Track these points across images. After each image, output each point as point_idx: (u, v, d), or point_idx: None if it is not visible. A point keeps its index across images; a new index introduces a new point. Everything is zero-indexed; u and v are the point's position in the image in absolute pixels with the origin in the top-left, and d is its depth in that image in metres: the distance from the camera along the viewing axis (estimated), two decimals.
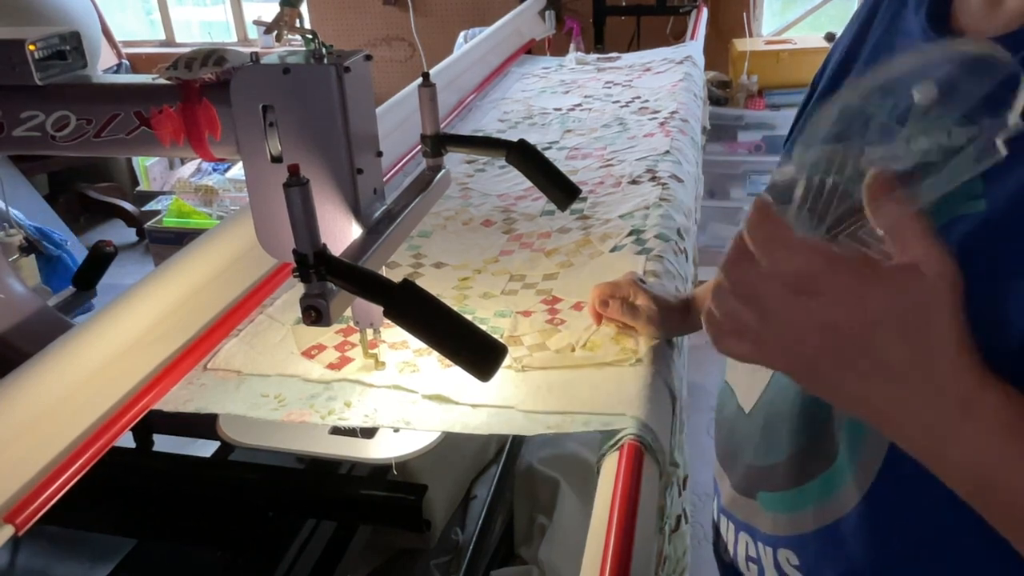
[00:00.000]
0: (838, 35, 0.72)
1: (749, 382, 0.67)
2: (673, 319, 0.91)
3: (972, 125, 0.42)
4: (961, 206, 0.48)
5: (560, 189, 0.95)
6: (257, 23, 1.06)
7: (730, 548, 0.74)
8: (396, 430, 0.85)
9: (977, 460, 0.42)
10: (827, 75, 0.70)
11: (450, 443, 0.84)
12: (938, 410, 0.42)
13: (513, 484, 1.40)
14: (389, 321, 0.67)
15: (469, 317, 0.78)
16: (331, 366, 0.91)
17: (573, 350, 0.90)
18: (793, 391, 0.62)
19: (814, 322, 0.42)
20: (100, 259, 1.40)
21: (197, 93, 0.78)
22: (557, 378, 0.85)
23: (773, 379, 0.63)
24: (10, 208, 1.69)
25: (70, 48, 0.85)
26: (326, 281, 0.66)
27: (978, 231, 0.47)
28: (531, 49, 2.53)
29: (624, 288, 0.92)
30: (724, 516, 0.74)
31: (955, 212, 0.49)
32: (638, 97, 1.92)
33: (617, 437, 0.74)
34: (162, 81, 0.79)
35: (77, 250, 2.69)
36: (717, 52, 3.33)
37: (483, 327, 0.71)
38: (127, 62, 4.24)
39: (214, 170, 3.64)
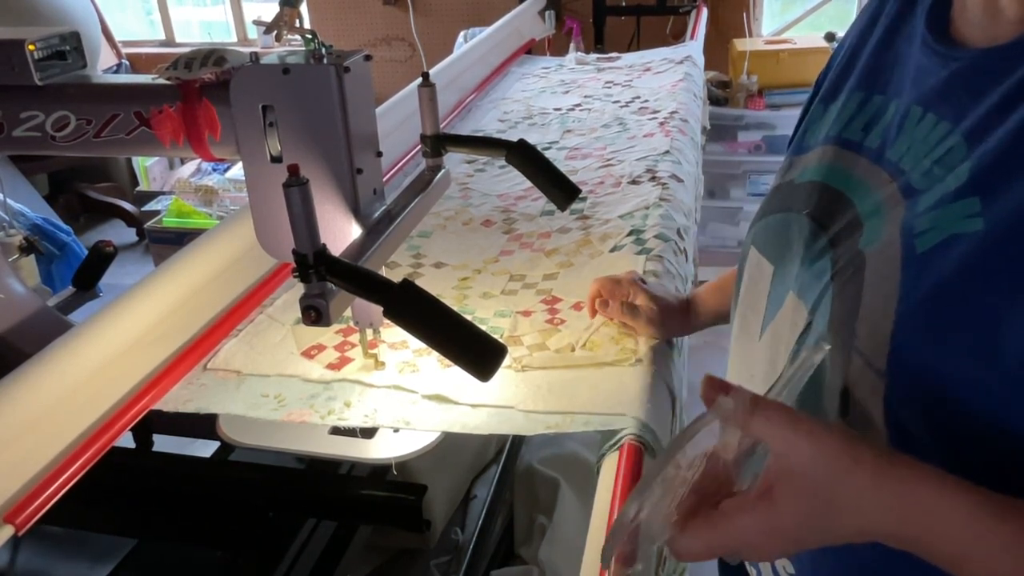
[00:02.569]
0: (840, 35, 0.72)
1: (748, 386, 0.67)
2: (673, 320, 0.91)
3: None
4: (958, 224, 0.48)
5: (560, 189, 0.95)
6: (257, 23, 1.06)
7: None
8: (396, 430, 0.85)
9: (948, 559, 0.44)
10: (830, 76, 0.70)
11: (450, 443, 0.84)
12: (893, 539, 0.44)
13: (513, 484, 1.40)
14: (389, 321, 0.67)
15: (469, 317, 0.78)
16: (331, 366, 0.91)
17: (573, 350, 0.90)
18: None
19: (770, 548, 0.47)
20: (100, 259, 1.40)
21: (197, 93, 0.78)
22: (557, 378, 0.85)
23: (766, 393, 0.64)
24: (13, 203, 1.69)
25: (70, 48, 0.85)
26: (326, 281, 0.66)
27: (976, 250, 0.47)
28: (531, 49, 2.53)
29: (624, 287, 0.92)
30: None
31: (952, 230, 0.48)
32: (638, 97, 1.92)
33: (617, 437, 0.74)
34: (162, 81, 0.80)
35: (77, 251, 2.70)
36: (717, 52, 3.33)
37: (483, 327, 0.71)
38: (127, 62, 4.23)
39: (214, 170, 3.64)
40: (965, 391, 0.46)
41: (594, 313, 0.94)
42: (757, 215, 0.70)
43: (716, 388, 0.48)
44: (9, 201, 1.65)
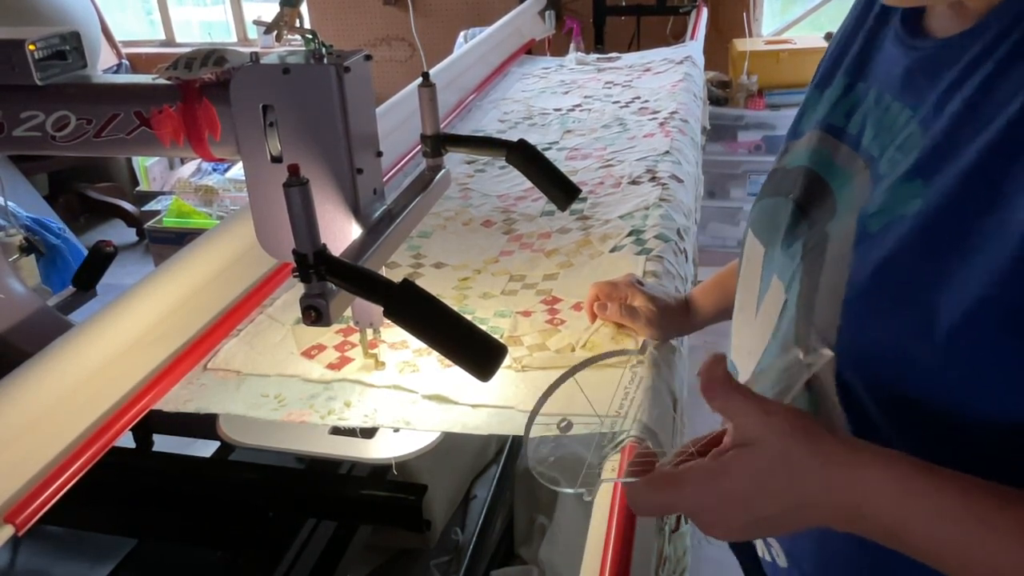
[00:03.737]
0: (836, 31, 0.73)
1: (748, 357, 0.69)
2: (672, 320, 0.91)
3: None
4: (902, 205, 0.51)
5: (560, 189, 0.95)
6: (257, 23, 1.06)
7: None
8: (396, 430, 0.85)
9: (895, 534, 0.46)
10: (825, 63, 0.72)
11: (450, 443, 0.84)
12: (838, 514, 0.47)
13: (513, 484, 1.40)
14: (389, 321, 0.67)
15: (469, 317, 0.78)
16: (331, 366, 0.91)
17: (573, 350, 0.90)
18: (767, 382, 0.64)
19: (722, 513, 0.50)
20: (100, 259, 1.40)
21: (197, 93, 0.78)
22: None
23: (758, 365, 0.66)
24: (7, 201, 1.69)
25: (70, 48, 0.85)
26: (326, 281, 0.66)
27: (913, 229, 0.49)
28: (531, 49, 2.53)
29: (622, 290, 0.93)
30: None
31: (897, 211, 0.51)
32: (638, 97, 1.92)
33: (618, 438, 0.74)
34: (162, 81, 0.79)
35: (77, 249, 2.70)
36: (717, 52, 3.33)
37: (483, 327, 0.71)
38: (127, 62, 4.23)
39: (214, 170, 3.64)
40: (903, 365, 0.49)
41: (593, 318, 0.94)
42: (756, 198, 0.73)
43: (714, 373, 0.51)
44: (0, 200, 1.65)
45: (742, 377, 0.70)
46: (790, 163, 0.69)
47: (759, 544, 0.74)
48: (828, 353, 0.53)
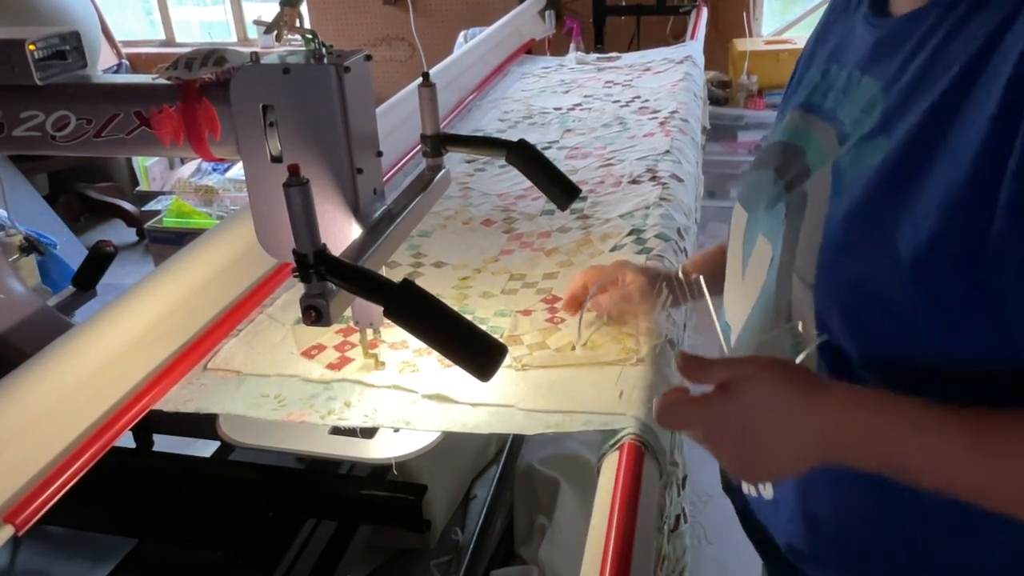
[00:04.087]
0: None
1: (738, 315, 0.75)
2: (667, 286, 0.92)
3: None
4: (871, 156, 0.59)
5: (560, 189, 0.95)
6: (257, 23, 1.06)
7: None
8: (396, 430, 0.85)
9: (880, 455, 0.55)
10: (807, 48, 0.79)
11: (450, 443, 0.84)
12: (820, 440, 0.56)
13: (513, 484, 1.40)
14: (389, 321, 0.67)
15: (469, 317, 0.78)
16: (331, 366, 0.91)
17: (573, 349, 0.90)
18: (756, 329, 0.71)
19: (726, 434, 0.59)
20: (100, 259, 1.40)
21: (197, 93, 0.78)
22: (557, 377, 0.85)
23: (748, 316, 0.73)
24: (1, 210, 1.69)
25: (70, 48, 0.85)
26: (326, 281, 0.66)
27: (879, 171, 0.57)
28: (531, 49, 2.53)
29: (610, 271, 0.93)
30: None
31: (864, 165, 0.59)
32: (638, 97, 1.92)
33: (617, 437, 0.74)
34: (162, 81, 0.79)
35: (76, 250, 2.69)
36: (717, 52, 3.33)
37: (483, 327, 0.71)
38: (127, 62, 4.23)
39: (214, 170, 3.64)
40: (876, 300, 0.56)
41: (577, 305, 0.94)
42: (745, 175, 0.81)
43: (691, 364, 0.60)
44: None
45: (734, 336, 0.76)
46: (771, 139, 0.77)
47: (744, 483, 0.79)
48: (822, 337, 0.60)
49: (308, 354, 0.93)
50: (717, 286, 0.85)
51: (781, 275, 0.65)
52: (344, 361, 0.91)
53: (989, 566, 0.61)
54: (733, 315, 0.77)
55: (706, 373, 0.59)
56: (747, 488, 0.77)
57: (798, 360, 0.61)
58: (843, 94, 0.67)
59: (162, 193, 3.59)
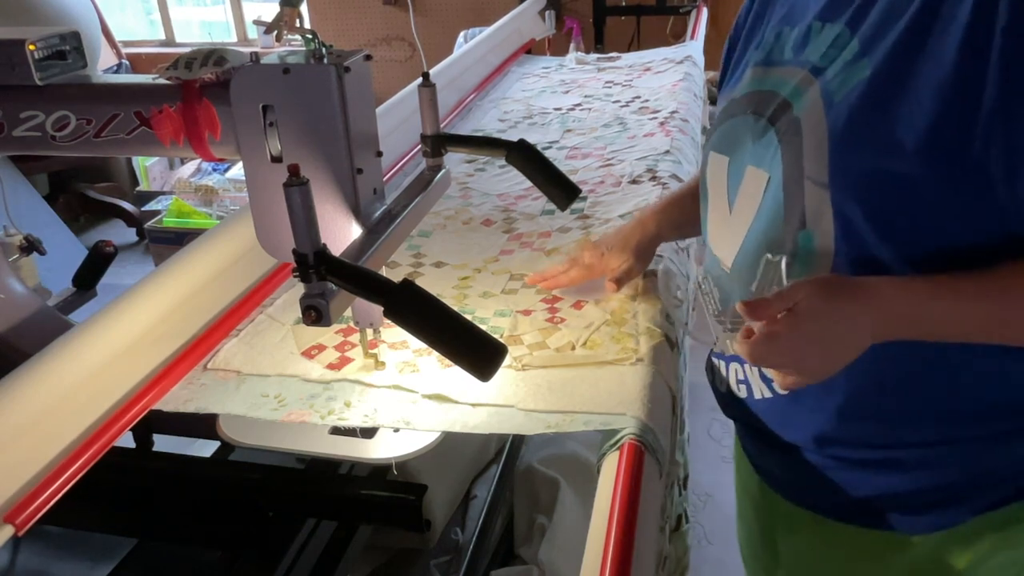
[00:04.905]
0: None
1: (728, 248, 0.82)
2: (633, 236, 1.00)
3: None
4: (855, 76, 0.67)
5: (560, 189, 0.95)
6: (257, 23, 1.06)
7: (723, 376, 0.89)
8: (396, 430, 0.85)
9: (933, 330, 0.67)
10: (748, 24, 0.89)
11: (450, 443, 0.84)
12: (873, 330, 0.66)
13: (513, 484, 1.40)
14: (389, 321, 0.67)
15: (469, 317, 0.78)
16: (331, 366, 0.91)
17: (573, 348, 0.90)
18: (754, 250, 0.78)
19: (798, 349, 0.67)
20: (100, 259, 1.39)
21: (197, 93, 0.78)
22: (557, 377, 0.85)
23: (741, 245, 0.79)
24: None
25: (70, 48, 0.85)
26: (326, 281, 0.66)
27: (872, 83, 0.66)
28: (531, 49, 2.53)
29: (598, 272, 1.01)
30: (716, 358, 0.91)
31: (852, 82, 0.67)
32: (638, 97, 1.92)
33: (617, 437, 0.74)
34: (162, 81, 0.79)
35: (76, 250, 2.69)
36: (717, 52, 3.32)
37: (483, 327, 0.71)
38: (127, 62, 4.23)
39: (214, 170, 3.64)
40: (884, 175, 0.65)
41: (543, 279, 1.04)
42: (710, 133, 0.87)
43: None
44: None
45: (725, 263, 0.82)
46: (738, 93, 0.83)
47: (733, 383, 0.87)
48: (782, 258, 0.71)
49: (308, 354, 0.93)
50: (686, 230, 1.02)
51: (788, 187, 0.72)
52: (344, 361, 0.91)
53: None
54: (722, 248, 0.83)
55: (766, 310, 0.66)
56: (759, 394, 0.84)
57: (785, 283, 0.71)
58: (803, 43, 0.75)
59: (162, 193, 3.59)
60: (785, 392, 0.79)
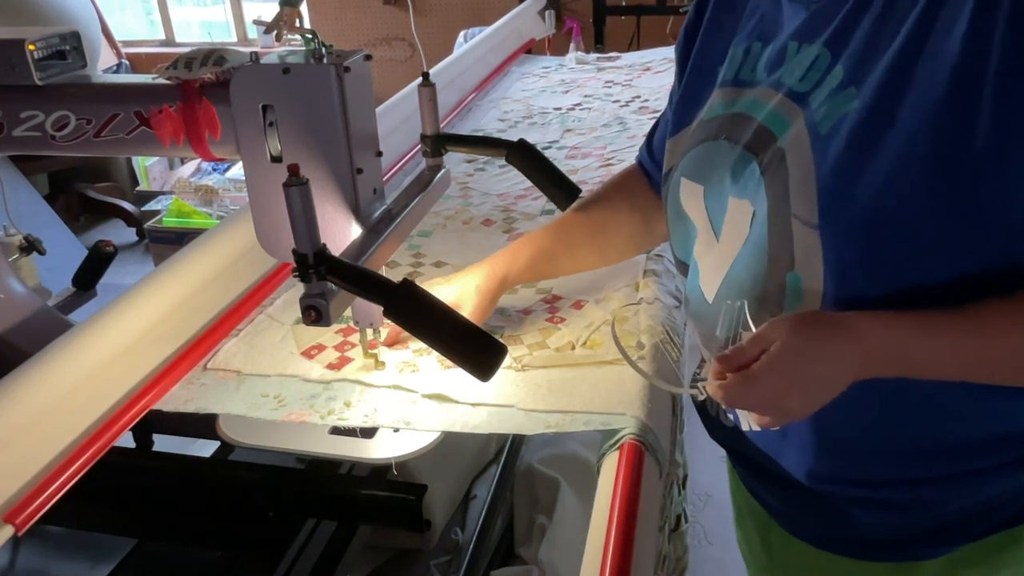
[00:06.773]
0: None
1: (713, 279, 0.79)
2: (472, 295, 0.91)
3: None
4: (843, 107, 0.65)
5: (560, 188, 0.95)
6: (257, 23, 1.06)
7: (711, 407, 0.87)
8: (396, 430, 0.85)
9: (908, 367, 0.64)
10: (702, 51, 0.85)
11: (450, 443, 0.84)
12: (853, 369, 0.63)
13: (513, 484, 1.40)
14: (389, 321, 0.67)
15: None
16: (331, 366, 0.91)
17: (573, 348, 0.90)
18: (742, 284, 0.75)
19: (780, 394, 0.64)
20: (100, 259, 1.39)
21: (197, 93, 0.78)
22: (557, 377, 0.85)
23: (726, 276, 0.76)
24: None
25: (70, 48, 0.85)
26: (326, 281, 0.66)
27: (861, 118, 0.64)
28: (531, 49, 2.53)
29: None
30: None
31: (840, 113, 0.65)
32: (638, 96, 1.92)
33: (617, 436, 0.74)
34: (162, 81, 0.79)
35: (76, 250, 2.69)
36: None
37: (483, 327, 0.71)
38: (127, 62, 4.23)
39: (214, 170, 3.64)
40: (873, 212, 0.63)
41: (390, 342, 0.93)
42: (679, 155, 0.83)
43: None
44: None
45: (708, 294, 0.79)
46: (707, 115, 0.80)
47: (720, 412, 0.84)
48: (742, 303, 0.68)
49: (308, 354, 0.93)
50: (539, 269, 0.97)
51: (773, 224, 0.69)
52: (344, 361, 0.91)
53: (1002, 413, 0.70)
54: (708, 277, 0.80)
55: (743, 358, 0.63)
56: (747, 425, 0.81)
57: (752, 326, 0.68)
58: (778, 63, 0.73)
59: (162, 193, 3.59)
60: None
